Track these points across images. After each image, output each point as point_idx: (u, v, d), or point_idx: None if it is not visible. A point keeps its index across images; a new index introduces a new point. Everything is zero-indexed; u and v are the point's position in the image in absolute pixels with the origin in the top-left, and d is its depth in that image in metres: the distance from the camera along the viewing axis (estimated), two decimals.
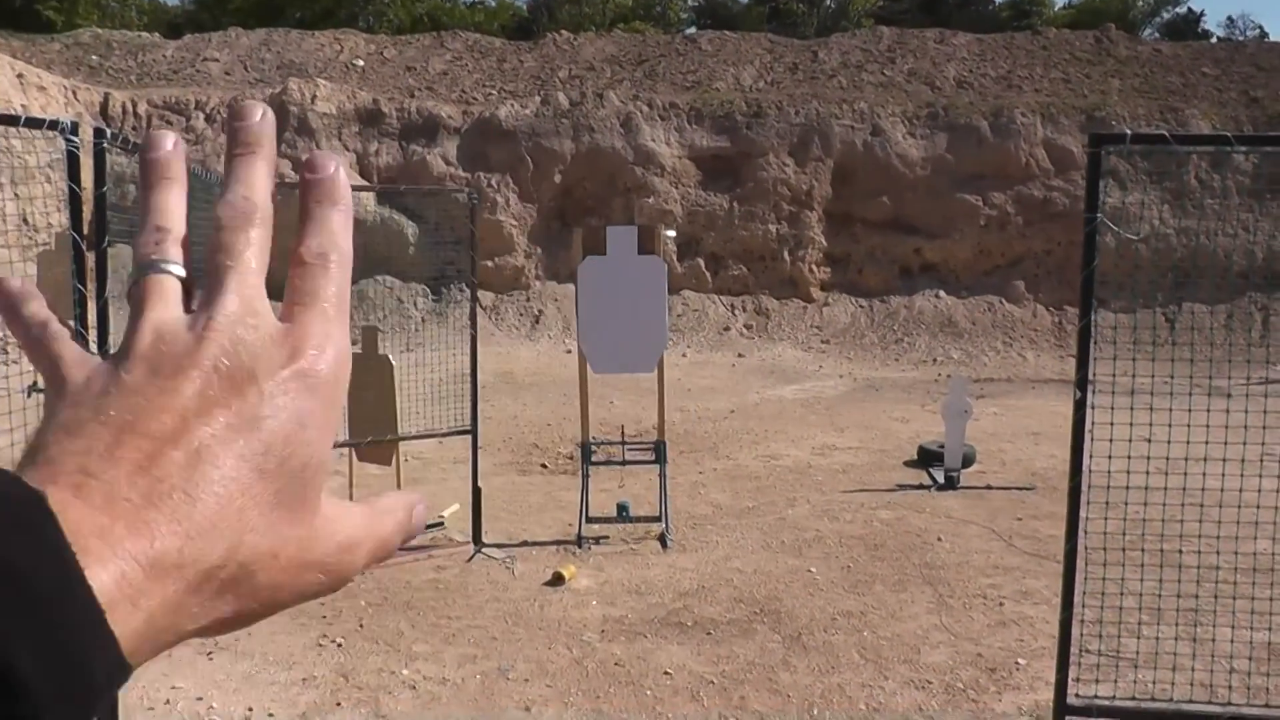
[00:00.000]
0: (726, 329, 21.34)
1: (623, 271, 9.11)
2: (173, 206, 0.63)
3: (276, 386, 0.57)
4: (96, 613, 0.48)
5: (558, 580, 8.47)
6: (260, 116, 0.64)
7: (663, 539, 9.47)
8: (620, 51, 28.03)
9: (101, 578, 0.49)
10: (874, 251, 22.34)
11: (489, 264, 20.46)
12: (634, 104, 22.94)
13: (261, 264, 0.61)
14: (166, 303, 0.59)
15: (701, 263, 22.00)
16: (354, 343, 15.91)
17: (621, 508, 9.81)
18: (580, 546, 9.31)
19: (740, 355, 20.30)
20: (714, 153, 22.52)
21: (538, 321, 21.28)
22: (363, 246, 17.38)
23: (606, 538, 9.56)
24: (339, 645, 7.30)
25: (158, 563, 0.51)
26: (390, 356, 9.51)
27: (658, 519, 9.65)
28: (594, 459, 9.78)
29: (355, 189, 20.29)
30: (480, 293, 10.53)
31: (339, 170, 0.65)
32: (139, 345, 0.58)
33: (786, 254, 22.11)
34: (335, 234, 0.63)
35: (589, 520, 9.50)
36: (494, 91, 24.86)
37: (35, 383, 6.71)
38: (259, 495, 0.55)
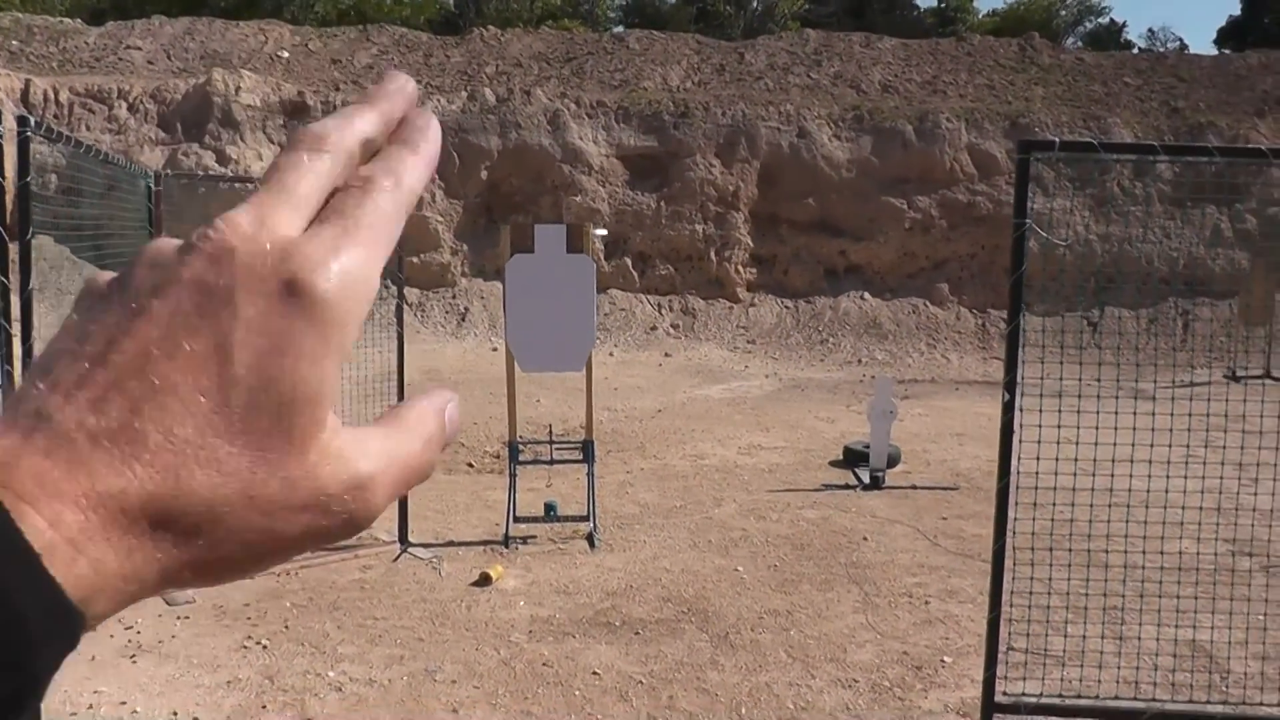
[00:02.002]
0: (653, 328, 21.36)
1: (551, 270, 9.07)
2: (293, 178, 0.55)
3: (256, 304, 0.50)
4: (28, 555, 0.44)
5: (485, 580, 8.43)
6: (397, 82, 0.60)
7: (590, 539, 9.44)
8: (548, 49, 27.96)
9: (35, 521, 0.45)
10: (800, 253, 22.45)
11: (414, 260, 20.32)
12: (562, 102, 22.90)
13: (304, 190, 0.54)
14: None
15: (629, 262, 22.01)
16: None
17: (549, 507, 9.78)
18: (507, 546, 9.26)
19: (667, 355, 20.33)
20: (641, 152, 22.53)
21: (464, 319, 21.17)
22: None
23: (534, 537, 9.52)
24: (264, 647, 7.22)
25: (100, 504, 0.46)
26: None
27: (585, 518, 9.63)
28: (521, 458, 9.73)
29: None
30: (406, 290, 10.43)
31: (433, 123, 0.59)
32: (133, 266, 0.53)
33: (713, 254, 22.17)
34: (394, 162, 0.57)
35: (516, 520, 9.47)
36: (420, 87, 24.68)
37: None
38: (224, 432, 0.49)
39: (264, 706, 6.42)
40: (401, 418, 0.57)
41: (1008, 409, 4.56)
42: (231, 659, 7.03)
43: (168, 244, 0.53)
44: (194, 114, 22.33)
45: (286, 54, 26.76)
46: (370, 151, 0.58)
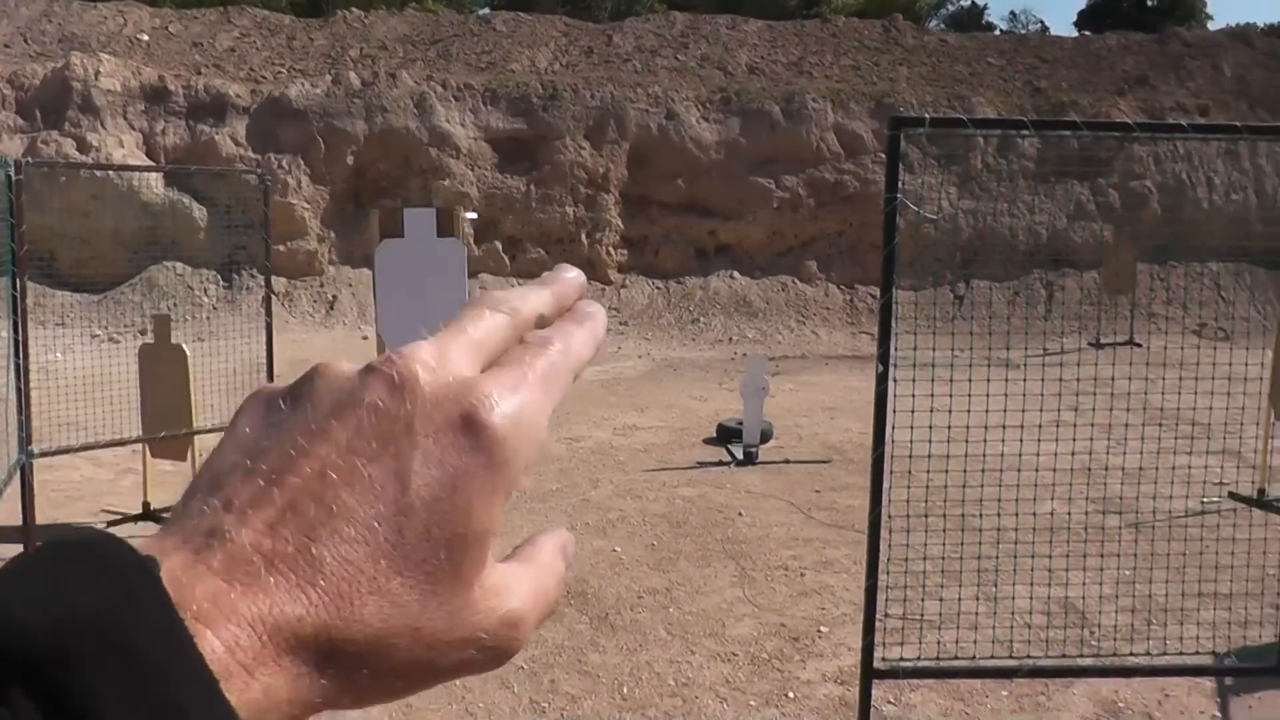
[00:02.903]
0: None
1: (421, 255, 8.98)
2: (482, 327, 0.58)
3: (435, 435, 0.51)
4: (209, 681, 0.44)
5: None
6: (570, 273, 0.64)
7: None
8: (413, 31, 27.66)
9: (213, 644, 0.45)
10: (670, 233, 22.53)
11: (281, 249, 19.98)
12: (428, 85, 22.67)
13: (482, 337, 0.57)
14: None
15: (499, 246, 21.89)
16: (144, 332, 15.44)
17: None
18: None
19: None
20: (510, 135, 22.42)
21: (332, 308, 20.88)
22: (149, 230, 16.75)
23: None
24: None
25: (276, 631, 0.46)
26: (184, 346, 9.21)
27: None
28: None
29: (141, 170, 19.62)
30: (273, 279, 10.28)
31: (600, 310, 0.63)
32: (306, 382, 0.54)
33: (584, 236, 22.16)
34: (564, 331, 0.60)
35: None
36: (283, 70, 24.26)
37: None
38: (399, 563, 0.49)
39: None
40: (538, 555, 0.58)
41: (881, 380, 4.62)
42: None
43: (343, 365, 0.54)
44: (53, 100, 21.71)
45: (146, 37, 26.12)
46: (541, 325, 0.60)
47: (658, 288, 22.14)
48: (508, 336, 0.58)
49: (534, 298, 0.60)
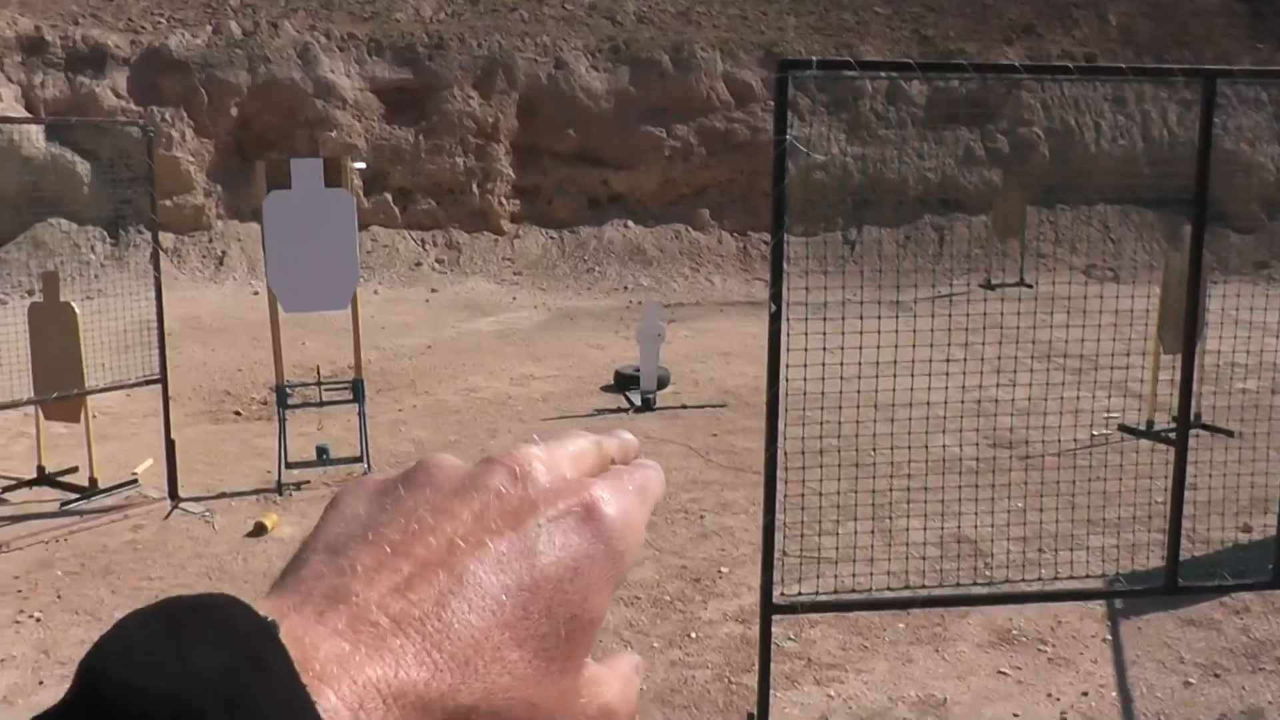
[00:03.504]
0: (418, 264, 21.09)
1: (309, 206, 8.85)
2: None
3: (557, 522, 0.53)
4: None
5: (260, 530, 8.26)
6: (631, 439, 0.65)
7: None
8: None
9: (337, 707, 0.44)
10: (562, 184, 22.42)
11: (167, 204, 19.50)
12: (311, 34, 22.26)
13: (577, 454, 0.59)
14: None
15: (389, 197, 21.63)
16: (32, 291, 15.06)
17: (321, 451, 9.59)
18: (281, 494, 9.09)
19: (434, 290, 20.12)
20: (396, 85, 22.10)
21: (222, 263, 20.49)
22: (31, 186, 16.24)
23: (308, 483, 9.36)
24: (37, 620, 6.95)
25: (401, 694, 0.45)
26: (73, 305, 8.99)
27: (359, 460, 9.50)
28: (290, 402, 9.52)
29: (19, 122, 19.04)
30: (160, 234, 10.07)
31: (657, 467, 0.64)
32: (425, 467, 0.56)
33: (475, 187, 21.96)
34: (645, 468, 0.62)
35: (288, 466, 9.28)
36: (162, 20, 23.61)
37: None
38: (522, 636, 0.50)
39: (41, 683, 6.19)
40: (619, 666, 0.58)
41: (774, 319, 4.64)
42: (4, 636, 6.75)
43: (454, 459, 0.57)
44: None
45: None
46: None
47: (551, 238, 22.05)
48: (595, 461, 0.60)
49: (609, 440, 0.63)
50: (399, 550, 0.50)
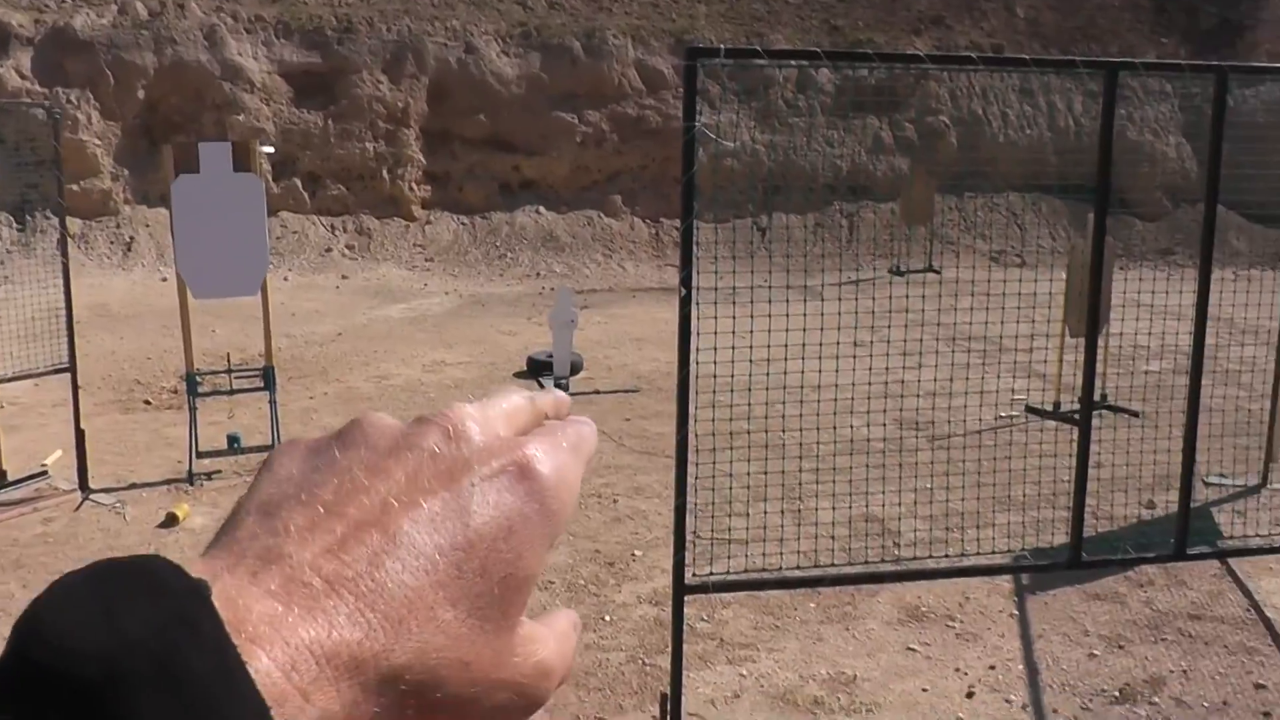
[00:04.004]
0: (328, 250, 20.90)
1: (218, 190, 8.74)
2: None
3: (492, 480, 0.53)
4: (260, 708, 0.43)
5: (171, 521, 8.16)
6: (564, 398, 0.65)
7: None
8: None
9: (269, 668, 0.44)
10: (474, 169, 22.33)
11: (74, 188, 19.14)
12: (217, 16, 21.95)
13: (512, 411, 0.59)
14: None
15: (299, 183, 21.41)
16: None
17: (233, 439, 9.48)
18: (192, 484, 8.99)
19: (344, 277, 19.96)
20: (305, 69, 21.86)
21: (130, 249, 20.15)
22: None
23: (219, 472, 9.26)
24: None
25: (334, 655, 0.46)
26: None
27: (271, 448, 9.40)
28: (200, 390, 9.40)
29: None
30: (67, 220, 9.86)
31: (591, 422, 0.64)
32: (359, 426, 0.55)
33: (386, 173, 21.80)
34: (578, 423, 0.62)
35: (199, 455, 9.17)
36: (66, 3, 23.22)
37: None
38: (455, 595, 0.50)
39: None
40: (556, 624, 0.58)
41: (684, 303, 4.67)
42: None
43: (388, 418, 0.56)
44: None
45: None
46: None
47: (463, 224, 21.95)
48: (529, 418, 0.60)
49: (543, 396, 0.63)
50: (332, 510, 0.50)
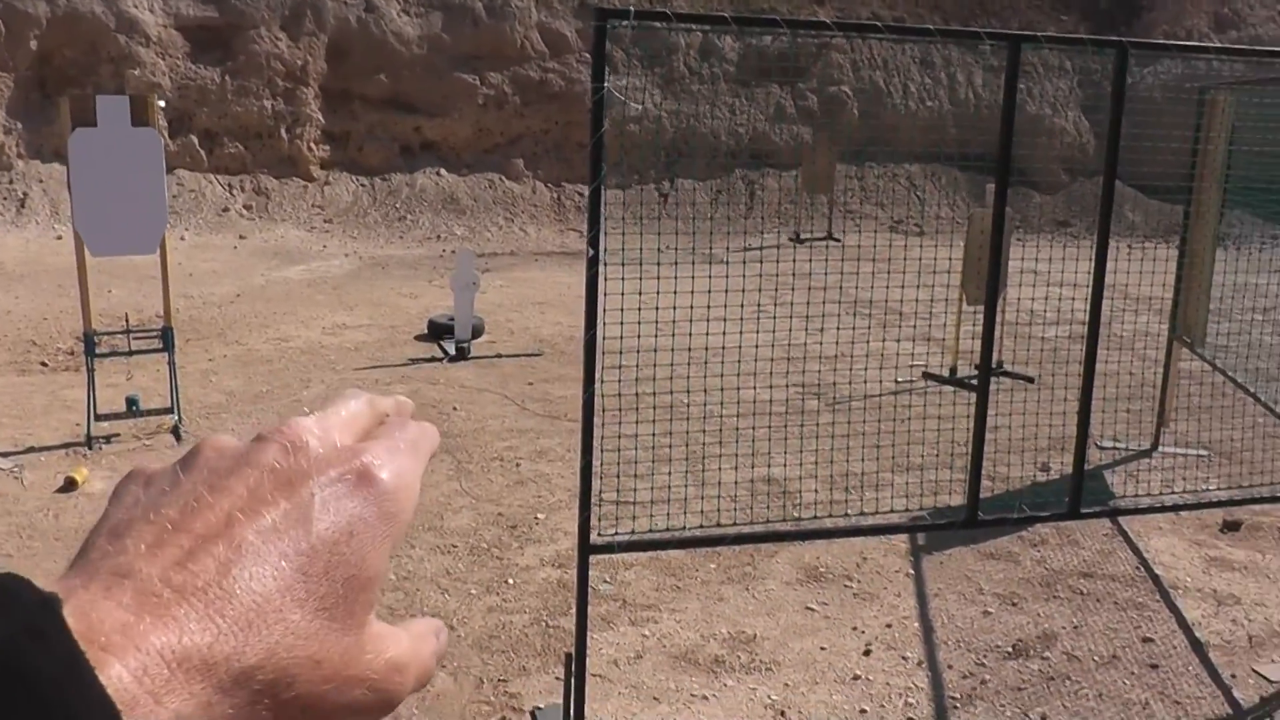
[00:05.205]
0: (226, 210, 20.58)
1: (116, 145, 8.58)
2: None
3: (331, 488, 0.56)
4: (110, 710, 0.44)
5: (70, 485, 8.03)
6: (405, 402, 0.69)
7: (176, 431, 9.15)
8: None
9: (120, 673, 0.46)
10: (374, 130, 22.09)
11: None
12: None
13: (349, 418, 0.62)
14: None
15: (195, 140, 21.03)
16: None
17: (131, 402, 9.33)
18: (91, 447, 8.85)
19: (242, 237, 19.67)
20: (201, 23, 21.44)
21: (23, 206, 19.65)
22: None
23: (118, 435, 9.13)
24: None
25: (186, 658, 0.48)
26: None
27: (170, 411, 9.29)
28: (98, 352, 9.24)
29: None
30: None
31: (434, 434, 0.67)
32: (201, 450, 0.58)
33: (284, 132, 21.49)
34: (418, 422, 0.66)
35: (98, 418, 9.02)
36: None
37: None
38: (302, 597, 0.52)
39: None
40: (413, 626, 0.61)
41: (592, 264, 4.68)
42: None
43: (230, 439, 0.59)
44: None
45: None
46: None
47: (363, 185, 21.73)
48: (369, 421, 0.63)
49: (384, 399, 0.66)
50: (179, 527, 0.52)
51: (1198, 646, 6.52)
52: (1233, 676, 6.23)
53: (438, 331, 12.48)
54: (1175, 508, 7.03)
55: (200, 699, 0.48)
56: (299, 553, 0.53)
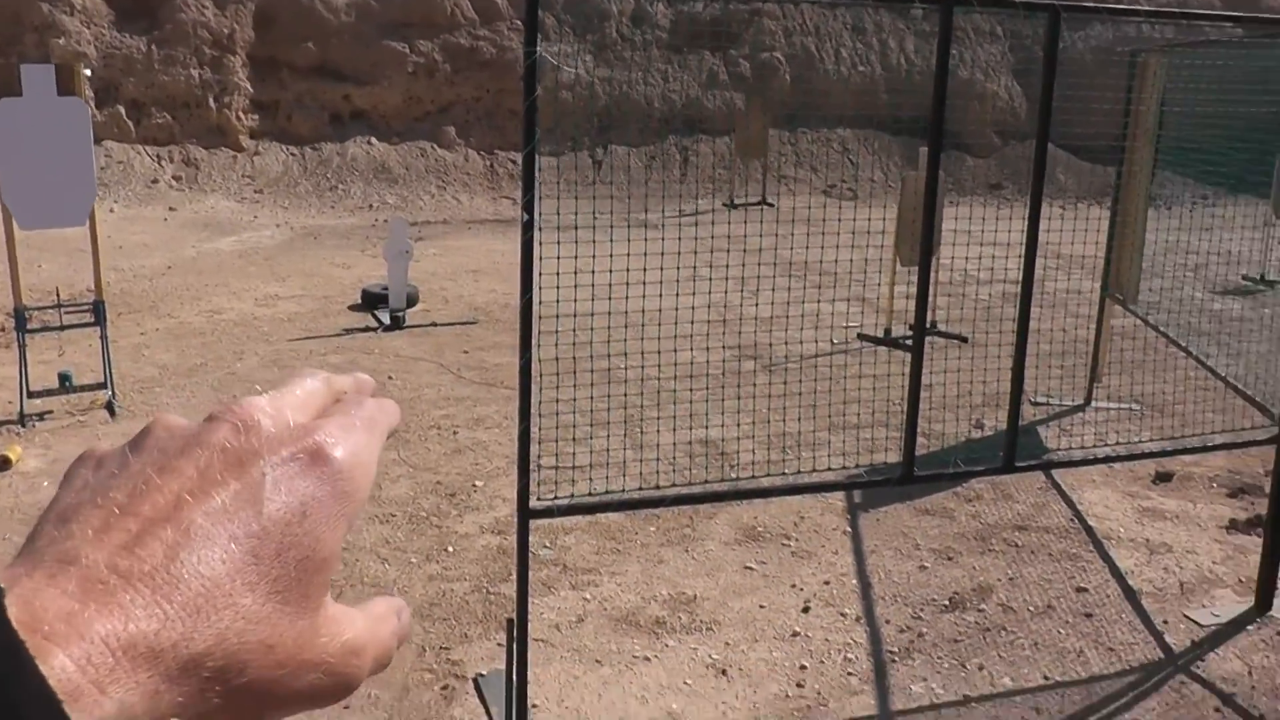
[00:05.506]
0: (155, 181, 20.32)
1: (43, 115, 8.46)
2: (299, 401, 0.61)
3: (282, 468, 0.54)
4: (51, 700, 0.44)
5: (4, 464, 7.92)
6: (365, 378, 0.68)
7: (110, 407, 9.06)
8: None
9: (63, 663, 0.45)
10: (303, 98, 21.87)
11: None
12: None
13: (304, 396, 0.61)
14: None
15: (123, 110, 20.72)
16: None
17: (64, 377, 9.21)
18: (23, 425, 8.73)
19: (172, 209, 19.43)
20: None
21: None
22: None
23: (51, 413, 9.01)
24: None
25: (131, 646, 0.46)
26: None
27: (103, 386, 9.19)
28: (29, 327, 9.11)
29: None
30: None
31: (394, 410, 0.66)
32: (151, 431, 0.57)
33: (212, 101, 21.22)
34: (376, 400, 0.64)
35: (30, 395, 8.90)
36: None
37: None
38: (253, 580, 0.51)
39: None
40: (371, 607, 0.60)
41: (527, 228, 4.68)
42: None
43: (181, 419, 0.58)
44: None
45: None
46: None
47: (293, 154, 21.52)
48: (326, 399, 0.62)
49: (342, 377, 0.66)
50: (127, 511, 0.51)
51: (1131, 594, 6.66)
52: (1165, 622, 6.37)
53: (372, 301, 12.41)
54: (1107, 459, 7.15)
55: (147, 687, 0.47)
56: (249, 534, 0.52)
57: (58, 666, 0.45)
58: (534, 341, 4.83)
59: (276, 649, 0.52)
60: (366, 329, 11.72)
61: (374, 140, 21.96)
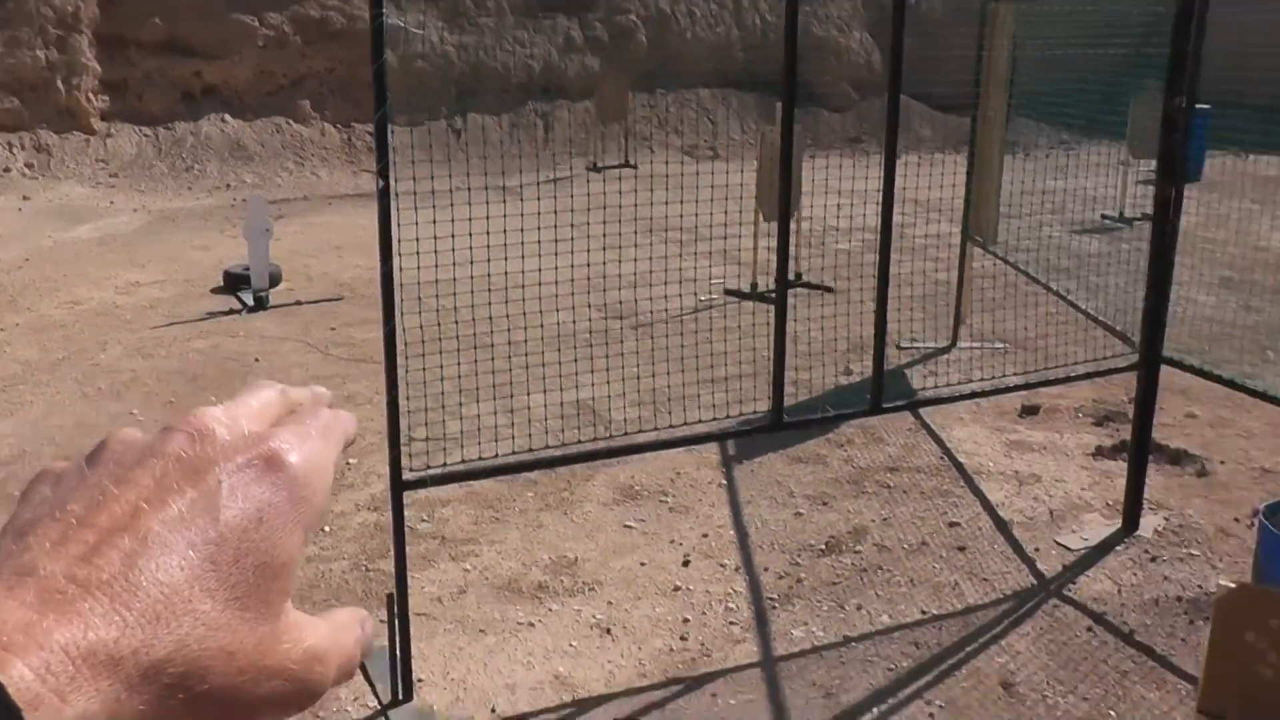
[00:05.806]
0: (7, 170, 19.68)
1: None
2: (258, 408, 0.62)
3: (238, 474, 0.54)
4: (11, 711, 0.43)
5: None
6: (323, 392, 0.68)
7: None
8: None
9: (22, 672, 0.44)
10: (152, 75, 21.33)
11: None
12: None
13: (259, 406, 0.61)
14: None
15: None
16: None
17: None
18: None
19: (26, 198, 18.85)
20: None
21: None
22: None
23: None
24: None
25: (91, 654, 0.46)
26: None
27: None
28: None
29: None
30: None
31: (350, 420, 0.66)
32: (107, 444, 0.57)
33: (60, 83, 20.60)
34: (332, 411, 0.64)
35: None
36: None
37: None
38: (212, 587, 0.51)
39: None
40: (334, 616, 0.60)
41: (384, 195, 4.64)
42: None
43: (136, 432, 0.58)
44: None
45: None
46: None
47: (146, 135, 21.01)
48: (281, 410, 0.62)
49: (298, 389, 0.66)
50: (84, 522, 0.51)
51: (1002, 526, 6.85)
52: (1036, 550, 6.56)
53: (234, 283, 12.19)
54: (973, 395, 7.32)
55: (108, 695, 0.47)
56: (207, 541, 0.52)
57: (16, 676, 0.45)
58: (398, 311, 4.80)
59: (237, 655, 0.52)
60: (230, 311, 11.53)
61: (228, 117, 21.53)
